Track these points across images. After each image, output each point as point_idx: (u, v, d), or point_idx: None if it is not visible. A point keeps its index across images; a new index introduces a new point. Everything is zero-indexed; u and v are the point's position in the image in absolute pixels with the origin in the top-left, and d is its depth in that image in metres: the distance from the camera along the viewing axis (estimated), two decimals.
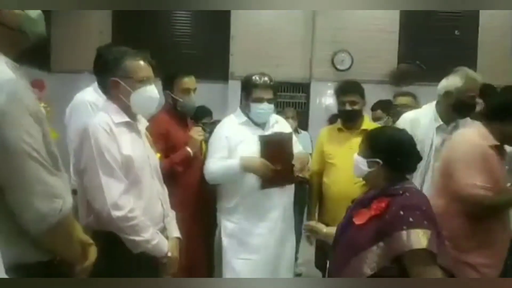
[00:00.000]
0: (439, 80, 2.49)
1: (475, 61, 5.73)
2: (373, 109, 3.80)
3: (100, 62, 1.71)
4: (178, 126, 2.50)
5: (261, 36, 5.65)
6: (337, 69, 5.66)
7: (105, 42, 5.23)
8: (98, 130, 1.60)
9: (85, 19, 5.40)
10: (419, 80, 5.46)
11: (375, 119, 3.60)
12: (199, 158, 2.54)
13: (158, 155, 1.96)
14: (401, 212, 1.54)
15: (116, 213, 1.57)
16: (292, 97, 5.90)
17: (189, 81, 2.49)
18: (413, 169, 1.75)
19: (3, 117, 1.07)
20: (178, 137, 2.44)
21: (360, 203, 1.71)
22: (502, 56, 5.48)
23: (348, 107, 2.64)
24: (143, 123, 1.84)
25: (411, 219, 1.52)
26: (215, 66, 5.73)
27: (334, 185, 2.63)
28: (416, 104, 3.25)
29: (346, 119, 2.70)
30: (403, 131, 1.80)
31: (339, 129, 2.73)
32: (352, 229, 1.63)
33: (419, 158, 1.70)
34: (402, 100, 3.41)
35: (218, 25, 5.83)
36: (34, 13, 1.25)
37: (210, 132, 2.73)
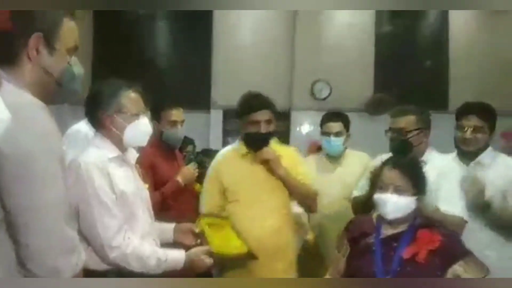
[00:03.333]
0: None
1: (447, 90, 5.96)
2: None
3: (93, 99, 1.70)
4: (165, 157, 2.51)
5: (241, 66, 5.77)
6: (316, 98, 5.79)
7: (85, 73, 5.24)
8: (91, 169, 1.57)
9: None
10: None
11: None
12: (191, 189, 2.55)
13: (146, 185, 1.96)
14: (451, 242, 1.51)
15: (114, 254, 1.54)
16: None
17: (176, 113, 2.50)
18: None
19: (29, 158, 1.02)
20: (165, 169, 2.44)
21: (388, 240, 1.58)
22: (472, 86, 5.70)
23: (262, 129, 2.05)
24: (133, 155, 1.82)
25: (462, 247, 1.51)
26: (197, 96, 5.79)
27: (244, 231, 1.96)
28: (345, 130, 2.68)
29: (251, 143, 2.09)
30: None
31: (243, 155, 2.13)
32: (412, 268, 1.50)
33: None
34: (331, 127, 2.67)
35: (199, 54, 5.92)
36: (78, 70, 1.27)
37: (196, 161, 2.72)
